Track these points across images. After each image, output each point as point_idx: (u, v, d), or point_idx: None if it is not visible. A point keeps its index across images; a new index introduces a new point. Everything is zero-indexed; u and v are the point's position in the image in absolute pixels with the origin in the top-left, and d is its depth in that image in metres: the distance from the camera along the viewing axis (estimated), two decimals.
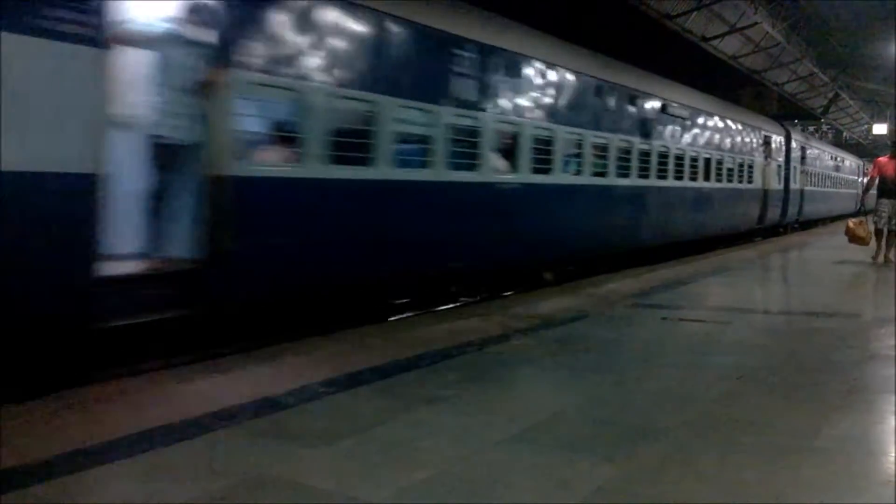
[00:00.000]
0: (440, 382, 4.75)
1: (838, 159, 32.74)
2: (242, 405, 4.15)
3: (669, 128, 13.83)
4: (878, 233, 12.13)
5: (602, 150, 11.33)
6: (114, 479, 3.17)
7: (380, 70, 7.31)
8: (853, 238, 12.71)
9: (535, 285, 10.18)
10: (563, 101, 10.39)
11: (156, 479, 3.17)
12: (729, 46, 23.84)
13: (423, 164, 7.93)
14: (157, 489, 3.08)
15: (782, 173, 21.43)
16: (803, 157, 23.90)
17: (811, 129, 40.44)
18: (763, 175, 19.43)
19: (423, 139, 7.94)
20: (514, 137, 9.32)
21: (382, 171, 7.28)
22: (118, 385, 4.55)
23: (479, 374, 5.03)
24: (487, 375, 5.01)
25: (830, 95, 35.18)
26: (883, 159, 12.48)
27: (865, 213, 13.33)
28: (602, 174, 11.38)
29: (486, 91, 8.79)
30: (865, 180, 17.90)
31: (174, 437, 3.62)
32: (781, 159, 21.36)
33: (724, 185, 16.72)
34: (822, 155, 28.64)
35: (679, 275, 10.90)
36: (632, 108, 12.43)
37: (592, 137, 10.98)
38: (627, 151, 12.08)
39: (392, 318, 8.04)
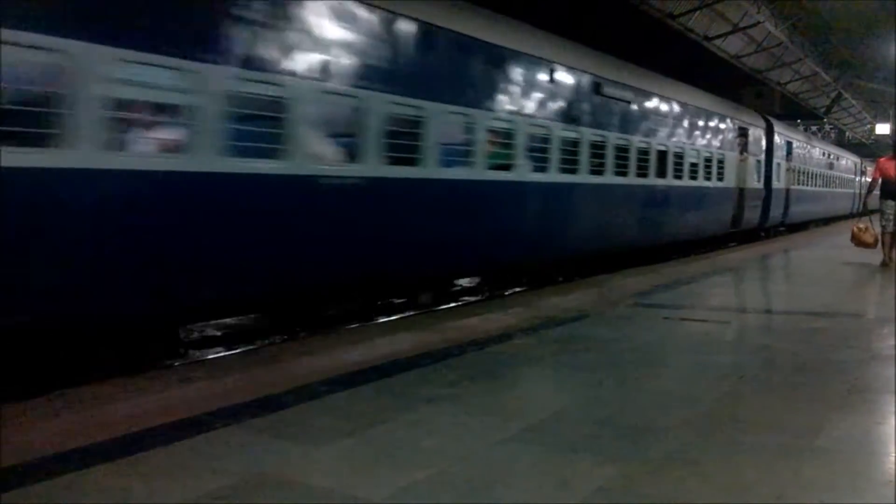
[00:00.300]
0: (440, 382, 4.74)
1: (832, 156, 30.19)
2: (243, 404, 4.15)
3: (607, 112, 11.49)
4: (885, 235, 11.93)
5: (506, 137, 9.09)
6: (114, 477, 3.16)
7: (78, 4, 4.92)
8: (859, 243, 12.45)
9: (538, 286, 10.15)
10: (440, 71, 8.16)
11: (156, 478, 3.17)
12: (731, 46, 23.88)
13: (176, 149, 5.55)
14: (157, 488, 3.07)
15: (762, 170, 19.19)
16: (789, 153, 21.68)
17: (814, 128, 40.46)
18: (738, 172, 17.18)
19: (177, 112, 5.60)
20: (356, 115, 6.94)
21: (68, 156, 4.81)
22: (119, 384, 4.54)
23: (479, 373, 5.01)
24: (488, 375, 5.00)
25: (833, 95, 35.23)
26: (885, 160, 12.35)
27: (869, 214, 13.16)
28: (505, 167, 9.08)
29: (293, 48, 6.29)
30: (867, 180, 17.73)
31: (174, 436, 3.61)
32: (762, 155, 19.30)
33: (685, 182, 14.35)
34: (813, 151, 26.21)
35: (680, 274, 10.88)
36: (550, 86, 9.94)
37: (490, 121, 8.75)
38: (545, 140, 9.75)
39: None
